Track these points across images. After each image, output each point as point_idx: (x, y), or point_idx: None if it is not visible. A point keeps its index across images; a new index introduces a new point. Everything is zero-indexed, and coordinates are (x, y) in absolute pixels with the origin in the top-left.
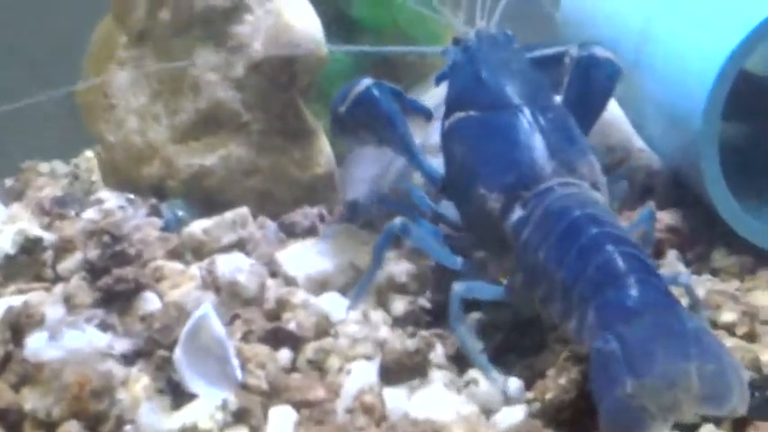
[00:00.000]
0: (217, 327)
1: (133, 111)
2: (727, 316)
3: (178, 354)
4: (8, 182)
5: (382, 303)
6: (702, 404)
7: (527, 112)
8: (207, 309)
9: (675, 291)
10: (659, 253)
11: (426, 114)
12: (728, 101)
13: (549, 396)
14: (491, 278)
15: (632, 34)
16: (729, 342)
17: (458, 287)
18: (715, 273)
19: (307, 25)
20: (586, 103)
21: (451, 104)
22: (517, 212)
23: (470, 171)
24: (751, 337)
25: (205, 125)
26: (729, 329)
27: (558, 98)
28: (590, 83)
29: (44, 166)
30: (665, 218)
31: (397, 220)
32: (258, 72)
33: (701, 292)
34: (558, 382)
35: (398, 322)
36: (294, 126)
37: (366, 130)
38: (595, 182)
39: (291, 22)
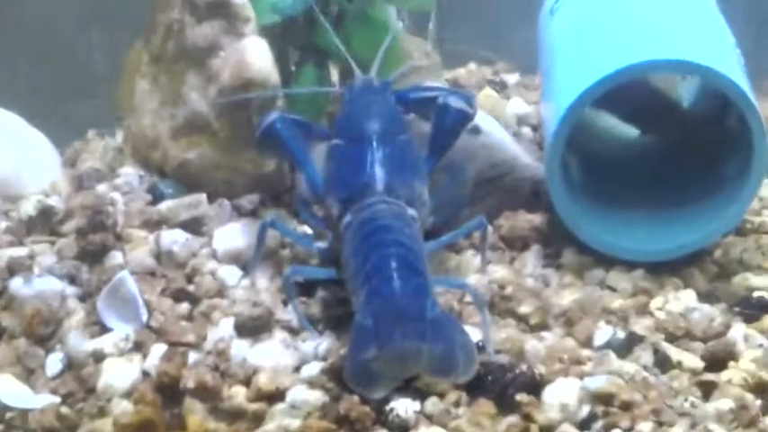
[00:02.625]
0: (131, 285)
1: (149, 112)
2: (524, 308)
3: (99, 301)
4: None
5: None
6: (430, 374)
7: (373, 145)
8: (125, 274)
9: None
10: (524, 247)
11: (327, 138)
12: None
13: (331, 360)
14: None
15: (547, 58)
16: (514, 330)
17: (288, 270)
18: (559, 268)
19: (261, 63)
20: (437, 140)
21: (333, 133)
22: (347, 218)
23: (327, 184)
24: (541, 326)
25: (189, 129)
26: (524, 319)
27: (405, 135)
28: (442, 125)
29: (109, 140)
30: (535, 219)
31: (269, 216)
32: (224, 94)
33: (509, 289)
34: (340, 351)
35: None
36: (250, 135)
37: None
38: (411, 200)
39: (250, 60)
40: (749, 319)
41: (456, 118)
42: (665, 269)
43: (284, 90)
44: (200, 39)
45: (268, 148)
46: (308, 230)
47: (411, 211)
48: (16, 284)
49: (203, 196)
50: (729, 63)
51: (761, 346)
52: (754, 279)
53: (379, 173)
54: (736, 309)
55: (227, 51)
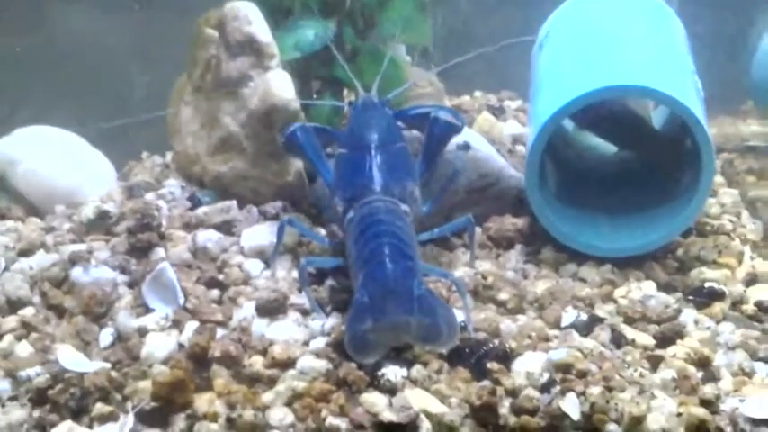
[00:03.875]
0: (170, 274)
1: (190, 133)
2: (503, 295)
3: (144, 286)
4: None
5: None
6: (418, 342)
7: (371, 152)
8: (165, 264)
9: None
10: (510, 245)
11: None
12: (617, 136)
13: (334, 335)
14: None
15: (533, 86)
16: (492, 313)
17: (302, 261)
18: (539, 263)
19: (283, 92)
20: (429, 147)
21: (339, 143)
22: (350, 214)
23: (334, 185)
24: (517, 310)
25: (223, 147)
26: (503, 305)
27: (400, 143)
28: (432, 135)
29: (157, 158)
30: (519, 222)
31: (286, 218)
32: (252, 118)
33: (490, 279)
34: (341, 328)
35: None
36: (273, 151)
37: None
38: (404, 198)
39: (274, 89)
40: (700, 305)
41: (445, 128)
42: (632, 264)
43: (302, 101)
44: (233, 72)
45: (291, 153)
46: (322, 230)
47: (404, 207)
48: (76, 273)
49: (233, 203)
50: (685, 89)
51: (708, 328)
52: (709, 272)
53: (376, 176)
54: (690, 297)
55: (256, 82)
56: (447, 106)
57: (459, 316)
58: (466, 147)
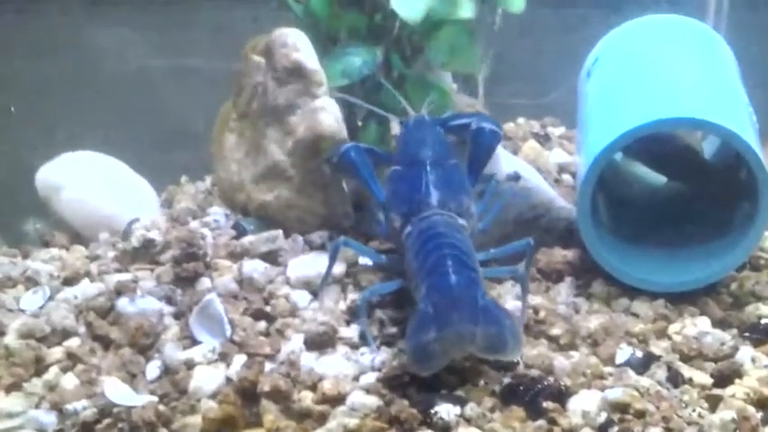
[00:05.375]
0: (218, 305)
1: (235, 160)
2: (555, 331)
3: (191, 318)
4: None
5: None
6: (483, 352)
7: (426, 168)
8: (213, 296)
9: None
10: (559, 278)
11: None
12: (667, 167)
13: (385, 371)
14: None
15: (582, 114)
16: (545, 349)
17: (363, 293)
18: (589, 297)
19: (330, 120)
20: (475, 158)
21: (392, 160)
22: (408, 229)
23: (389, 202)
24: (570, 346)
25: (268, 175)
26: (555, 340)
27: (453, 159)
28: (477, 145)
29: (199, 184)
30: (569, 255)
31: (341, 238)
32: (299, 146)
33: (542, 313)
34: (392, 363)
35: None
36: (320, 180)
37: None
38: (461, 213)
39: (321, 117)
40: (757, 342)
41: (490, 138)
42: (685, 299)
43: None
44: (280, 99)
45: (343, 172)
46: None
47: (461, 221)
48: (122, 303)
49: (280, 232)
50: (740, 121)
51: (766, 366)
52: (764, 308)
53: (432, 191)
54: (746, 333)
55: (303, 110)
56: (486, 115)
57: None
58: (516, 177)
